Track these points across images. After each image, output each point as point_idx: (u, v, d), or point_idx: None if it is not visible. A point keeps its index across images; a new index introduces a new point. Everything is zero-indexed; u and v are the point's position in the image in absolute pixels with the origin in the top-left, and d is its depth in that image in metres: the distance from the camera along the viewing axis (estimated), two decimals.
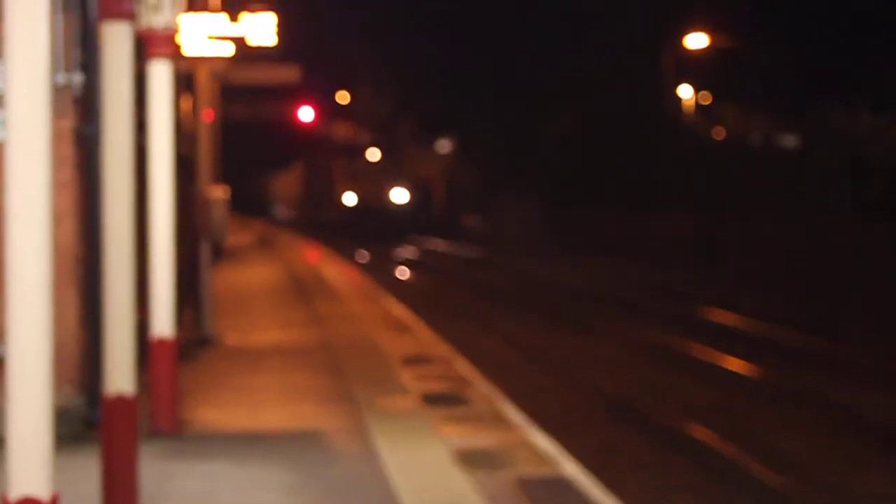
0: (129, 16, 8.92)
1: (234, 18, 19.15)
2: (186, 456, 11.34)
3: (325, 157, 76.11)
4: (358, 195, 67.79)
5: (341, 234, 62.86)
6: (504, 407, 13.44)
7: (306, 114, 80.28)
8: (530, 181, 59.49)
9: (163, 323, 12.04)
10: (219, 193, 20.49)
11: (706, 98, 62.61)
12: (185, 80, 23.80)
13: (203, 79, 20.59)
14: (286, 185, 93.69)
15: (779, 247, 38.98)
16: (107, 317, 8.71)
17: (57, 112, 11.36)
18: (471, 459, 10.83)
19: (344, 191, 69.01)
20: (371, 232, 61.31)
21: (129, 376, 8.67)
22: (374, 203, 66.72)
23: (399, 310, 24.19)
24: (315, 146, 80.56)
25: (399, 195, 67.84)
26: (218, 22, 19.09)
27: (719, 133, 57.41)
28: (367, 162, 71.09)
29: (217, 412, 13.69)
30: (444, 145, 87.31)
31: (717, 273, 36.07)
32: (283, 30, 19.93)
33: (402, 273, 42.60)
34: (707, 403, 18.17)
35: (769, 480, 13.44)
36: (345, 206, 68.29)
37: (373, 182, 68.02)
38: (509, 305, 31.06)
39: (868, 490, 13.38)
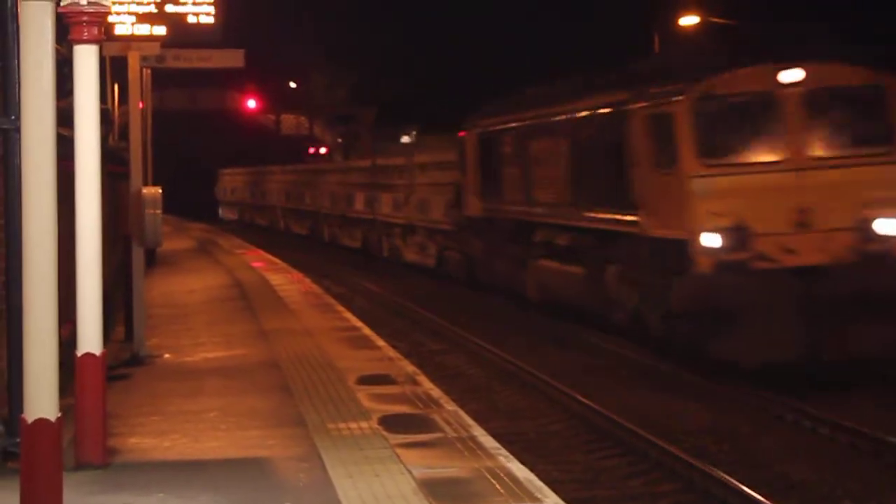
0: None
1: None
2: (117, 488, 11.29)
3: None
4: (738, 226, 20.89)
5: None
6: (475, 431, 13.46)
7: (251, 103, 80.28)
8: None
9: (90, 337, 11.96)
10: (153, 192, 20.43)
11: None
12: (115, 65, 23.79)
13: (135, 64, 20.54)
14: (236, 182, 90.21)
15: None
16: (26, 331, 8.68)
17: None
18: (437, 491, 10.85)
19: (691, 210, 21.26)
20: None
21: (51, 399, 8.64)
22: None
23: (356, 322, 24.20)
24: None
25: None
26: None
27: None
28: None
29: (152, 439, 13.65)
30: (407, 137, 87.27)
31: None
32: (227, 12, 19.87)
33: None
34: (700, 426, 18.25)
35: None
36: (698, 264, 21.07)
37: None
38: (485, 319, 31.07)
39: None
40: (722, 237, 20.48)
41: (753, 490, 14.15)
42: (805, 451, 16.57)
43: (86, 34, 11.58)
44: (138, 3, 18.91)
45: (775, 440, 17.24)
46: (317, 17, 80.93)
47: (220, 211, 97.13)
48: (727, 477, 14.73)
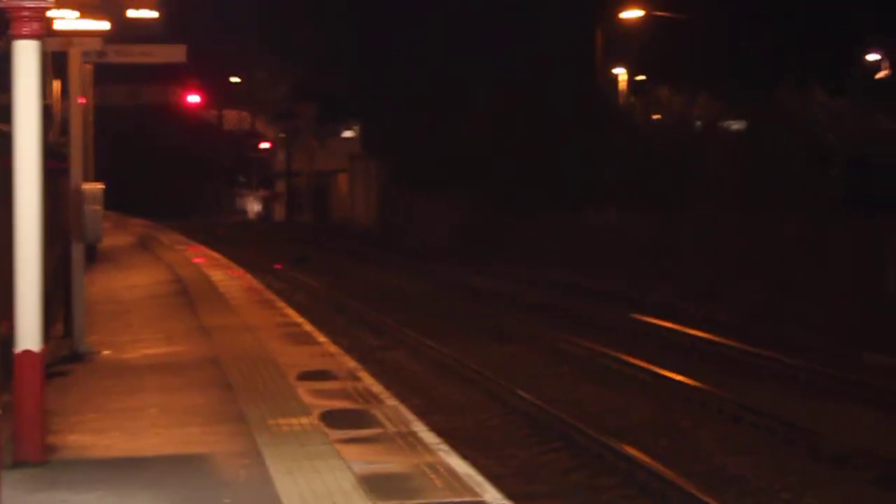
0: None
1: None
2: (55, 486, 11.22)
3: None
4: None
5: None
6: (415, 426, 13.49)
7: (193, 98, 79.84)
8: (449, 177, 59.18)
9: (29, 333, 11.87)
10: (94, 187, 20.32)
11: (642, 79, 63.17)
12: (56, 60, 23.63)
13: (76, 58, 20.40)
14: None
15: (729, 245, 39.16)
16: None
17: None
18: (377, 486, 10.86)
19: None
20: None
21: None
22: None
23: (297, 318, 24.17)
24: None
25: None
26: None
27: (657, 117, 57.84)
28: None
29: (91, 436, 13.59)
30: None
31: (659, 277, 36.27)
32: (168, 6, 19.84)
33: None
34: (642, 419, 18.37)
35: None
36: None
37: None
38: (426, 314, 31.15)
39: None
40: None
41: (691, 484, 14.27)
42: (743, 445, 16.71)
43: (26, 29, 11.54)
44: None
45: (714, 434, 17.37)
46: (259, 12, 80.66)
47: None
48: (666, 471, 14.84)
